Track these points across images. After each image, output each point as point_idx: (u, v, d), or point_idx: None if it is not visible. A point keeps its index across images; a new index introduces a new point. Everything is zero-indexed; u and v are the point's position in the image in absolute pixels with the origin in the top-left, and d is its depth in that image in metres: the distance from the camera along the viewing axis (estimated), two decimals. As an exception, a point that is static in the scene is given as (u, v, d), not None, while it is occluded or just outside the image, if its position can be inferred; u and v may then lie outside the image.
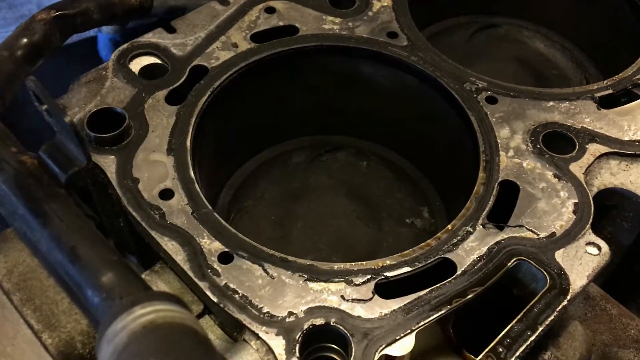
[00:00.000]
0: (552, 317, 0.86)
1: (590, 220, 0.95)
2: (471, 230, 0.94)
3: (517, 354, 0.83)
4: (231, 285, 0.86)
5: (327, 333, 0.83)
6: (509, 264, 0.90)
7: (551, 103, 1.12)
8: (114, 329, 0.59)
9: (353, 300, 0.86)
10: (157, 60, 1.14)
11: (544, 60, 1.53)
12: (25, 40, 1.03)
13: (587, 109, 1.12)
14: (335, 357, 0.85)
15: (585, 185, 1.00)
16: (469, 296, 0.87)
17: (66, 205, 0.79)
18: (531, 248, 0.92)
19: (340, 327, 0.82)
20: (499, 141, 1.06)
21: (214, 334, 0.88)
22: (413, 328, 0.83)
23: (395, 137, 1.34)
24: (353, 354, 0.80)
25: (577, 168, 1.03)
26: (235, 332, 0.86)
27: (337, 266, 0.89)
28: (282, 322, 0.83)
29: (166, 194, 0.96)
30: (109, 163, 0.98)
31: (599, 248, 0.92)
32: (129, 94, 1.08)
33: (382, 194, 1.31)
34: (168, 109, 1.07)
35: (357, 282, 0.88)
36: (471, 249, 0.92)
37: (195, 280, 0.86)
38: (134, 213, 0.93)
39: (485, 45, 1.55)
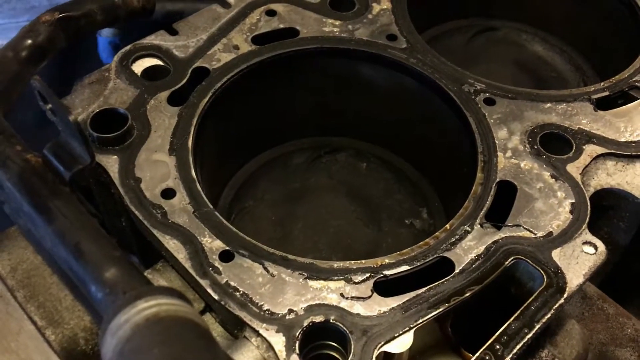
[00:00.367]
0: (548, 315, 0.87)
1: (587, 220, 0.97)
2: (469, 229, 0.95)
3: (514, 351, 0.84)
4: (232, 283, 0.87)
5: (326, 330, 0.84)
6: (507, 262, 0.91)
7: (548, 104, 1.14)
8: (117, 322, 0.60)
9: (352, 298, 0.87)
10: (159, 62, 1.15)
11: (542, 62, 1.54)
12: (29, 41, 1.05)
13: (584, 110, 1.13)
14: (334, 354, 0.86)
15: (582, 186, 1.01)
16: (467, 294, 0.88)
17: (70, 203, 0.80)
18: (528, 247, 0.93)
19: (340, 325, 0.83)
20: (496, 142, 1.07)
21: (215, 331, 0.89)
22: (411, 325, 0.84)
23: (394, 139, 1.35)
24: (352, 351, 0.81)
25: (574, 169, 1.04)
26: (236, 329, 0.87)
27: (336, 264, 0.91)
28: (282, 319, 0.84)
29: (168, 194, 0.97)
30: (111, 163, 0.99)
31: (596, 247, 0.93)
32: (132, 95, 1.09)
33: (381, 194, 1.32)
34: (170, 109, 1.08)
35: (356, 280, 0.89)
36: (469, 248, 0.93)
37: (197, 278, 0.88)
38: (136, 212, 0.94)
39: (484, 48, 1.56)
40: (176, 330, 0.60)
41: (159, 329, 0.59)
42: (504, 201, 1.00)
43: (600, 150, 1.07)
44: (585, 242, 0.94)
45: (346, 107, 1.34)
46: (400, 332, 0.84)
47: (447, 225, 0.97)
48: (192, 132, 1.06)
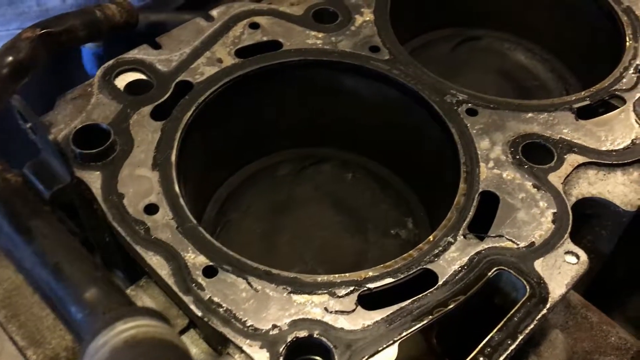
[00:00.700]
0: (532, 326, 0.87)
1: (569, 230, 0.97)
2: (452, 240, 0.96)
3: (498, 362, 0.84)
4: (215, 299, 0.87)
5: (310, 345, 0.84)
6: (490, 273, 0.92)
7: (530, 114, 1.15)
8: (95, 345, 0.60)
9: (336, 312, 0.87)
10: (143, 76, 1.15)
11: (525, 71, 1.55)
12: (10, 58, 1.04)
13: (565, 120, 1.14)
14: (319, 368, 0.86)
15: (563, 195, 1.02)
16: (451, 306, 0.88)
17: (50, 222, 0.79)
18: (511, 258, 0.94)
19: (324, 339, 0.83)
20: (479, 152, 1.08)
21: (198, 347, 0.89)
22: (396, 338, 0.84)
23: (379, 149, 1.36)
24: (336, 365, 0.81)
25: (555, 178, 1.05)
26: (220, 345, 0.87)
27: (320, 278, 0.91)
28: (266, 335, 0.84)
29: (151, 209, 0.97)
30: (94, 179, 0.99)
31: (578, 257, 0.94)
32: (115, 110, 1.09)
33: (367, 205, 1.33)
34: (153, 124, 1.08)
35: (340, 294, 0.89)
36: (452, 259, 0.94)
37: (180, 294, 0.87)
38: (118, 228, 0.94)
39: (468, 57, 1.57)
40: (154, 354, 0.60)
41: (137, 352, 0.59)
42: (487, 212, 1.00)
43: (581, 159, 1.08)
44: (568, 252, 0.95)
45: (331, 118, 1.34)
46: (385, 346, 0.84)
47: (431, 237, 0.97)
48: (175, 147, 1.06)
